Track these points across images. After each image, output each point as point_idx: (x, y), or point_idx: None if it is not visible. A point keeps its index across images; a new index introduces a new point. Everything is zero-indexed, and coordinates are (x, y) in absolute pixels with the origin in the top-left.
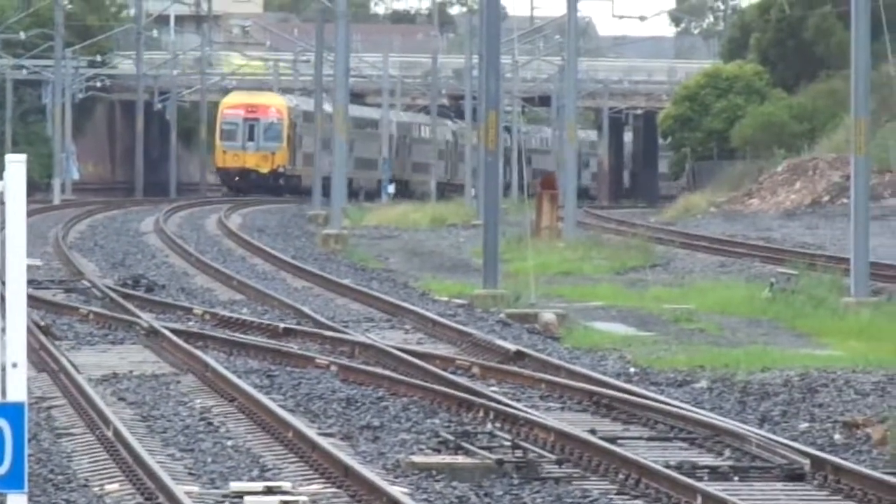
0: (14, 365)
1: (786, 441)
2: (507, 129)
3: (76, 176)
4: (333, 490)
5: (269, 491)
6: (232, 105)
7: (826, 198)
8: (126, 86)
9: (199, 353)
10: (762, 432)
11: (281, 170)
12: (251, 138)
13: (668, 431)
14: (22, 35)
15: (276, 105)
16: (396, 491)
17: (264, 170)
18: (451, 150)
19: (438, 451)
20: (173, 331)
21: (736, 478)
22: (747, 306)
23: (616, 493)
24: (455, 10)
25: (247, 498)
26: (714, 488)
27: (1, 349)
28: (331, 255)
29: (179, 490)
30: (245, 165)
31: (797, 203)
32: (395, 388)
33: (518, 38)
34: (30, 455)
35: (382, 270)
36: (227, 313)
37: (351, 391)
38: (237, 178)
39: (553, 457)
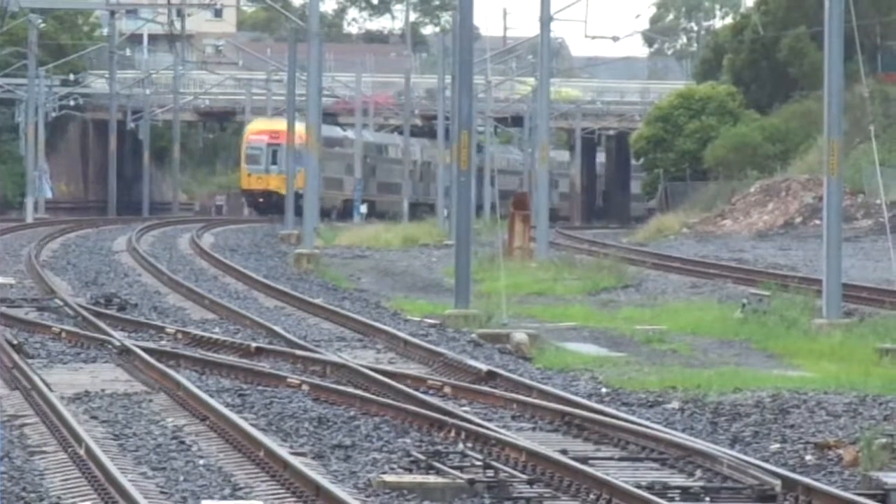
0: None
1: (757, 462)
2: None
3: (49, 194)
4: None
5: None
6: (256, 131)
7: (799, 219)
8: (99, 105)
9: (171, 371)
10: (734, 453)
11: (301, 192)
12: (274, 162)
13: (639, 452)
14: None
15: (298, 131)
16: None
17: (286, 191)
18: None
19: (410, 471)
20: (145, 349)
21: (707, 498)
22: (719, 327)
23: None
24: (428, 30)
25: None
26: None
27: None
28: (303, 274)
29: None
30: (268, 187)
31: (770, 224)
32: (366, 408)
33: (491, 58)
34: (2, 473)
35: (354, 290)
36: (199, 332)
37: (322, 410)
38: (261, 200)
39: (524, 477)
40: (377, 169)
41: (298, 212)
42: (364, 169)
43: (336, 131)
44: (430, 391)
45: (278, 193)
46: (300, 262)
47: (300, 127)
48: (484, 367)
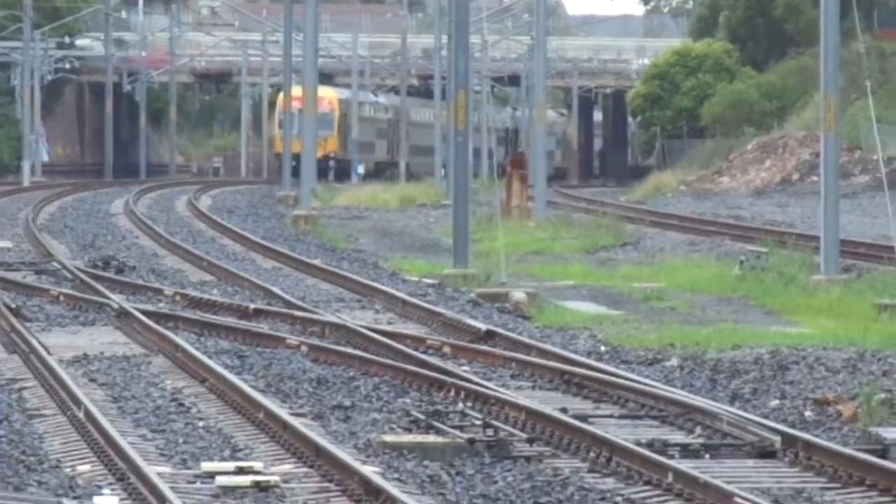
0: None
1: (757, 418)
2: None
3: (46, 158)
4: (305, 470)
5: (240, 471)
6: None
7: (796, 175)
8: (95, 67)
9: (169, 334)
10: (733, 410)
11: (332, 155)
12: None
13: (639, 409)
14: None
15: (328, 97)
16: (368, 470)
17: (317, 155)
18: (511, 137)
19: (410, 431)
20: (144, 312)
21: (707, 455)
22: (717, 284)
23: (587, 472)
24: None
25: (218, 478)
26: (685, 466)
27: None
28: (301, 235)
29: (151, 470)
30: (300, 151)
31: (767, 181)
32: (365, 368)
33: (487, 17)
34: (2, 436)
35: (352, 251)
36: (197, 294)
37: (322, 371)
38: (294, 163)
39: (524, 435)
40: (410, 133)
41: (337, 175)
42: (396, 132)
43: (368, 97)
44: (430, 351)
45: None
46: (298, 223)
47: (330, 92)
48: (483, 326)
